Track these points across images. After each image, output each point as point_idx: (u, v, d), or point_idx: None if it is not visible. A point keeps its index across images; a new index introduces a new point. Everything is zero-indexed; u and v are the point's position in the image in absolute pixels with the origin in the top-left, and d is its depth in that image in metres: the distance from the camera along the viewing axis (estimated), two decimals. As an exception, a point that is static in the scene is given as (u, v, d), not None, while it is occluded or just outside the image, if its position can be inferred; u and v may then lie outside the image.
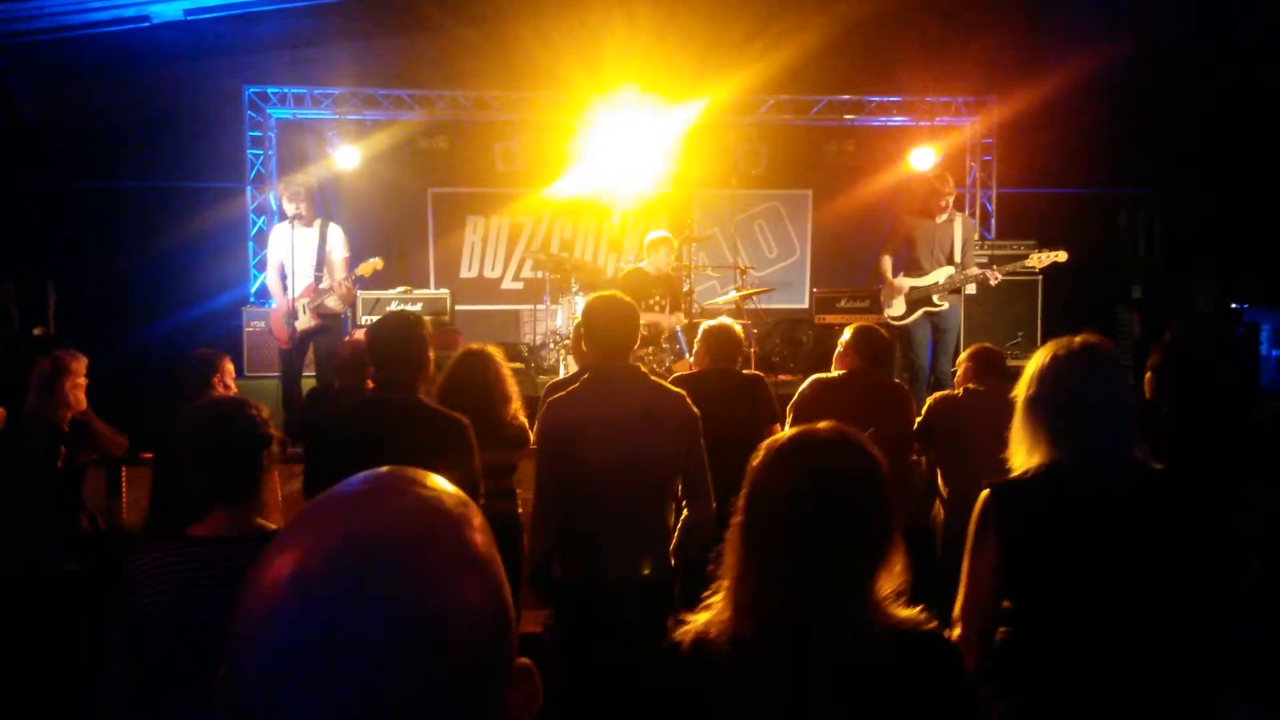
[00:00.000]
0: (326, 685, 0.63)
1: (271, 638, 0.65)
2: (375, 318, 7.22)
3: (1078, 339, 2.23)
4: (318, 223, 6.86)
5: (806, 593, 1.55)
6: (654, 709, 1.71)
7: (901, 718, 1.57)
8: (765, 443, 1.71)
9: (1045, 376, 2.20)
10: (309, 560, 0.67)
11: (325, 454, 3.24)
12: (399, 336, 3.26)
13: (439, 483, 0.76)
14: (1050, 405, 2.17)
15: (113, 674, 2.10)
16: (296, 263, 6.74)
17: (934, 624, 1.63)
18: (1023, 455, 2.22)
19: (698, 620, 1.65)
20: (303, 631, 0.64)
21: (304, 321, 6.75)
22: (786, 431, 1.74)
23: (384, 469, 0.76)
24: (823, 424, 1.68)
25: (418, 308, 8.26)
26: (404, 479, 0.75)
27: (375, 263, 6.88)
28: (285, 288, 6.77)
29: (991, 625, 2.22)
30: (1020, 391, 2.25)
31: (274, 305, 6.91)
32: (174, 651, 2.07)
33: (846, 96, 9.87)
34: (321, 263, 6.77)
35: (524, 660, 0.75)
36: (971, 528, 2.25)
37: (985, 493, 2.24)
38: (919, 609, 1.64)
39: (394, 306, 8.20)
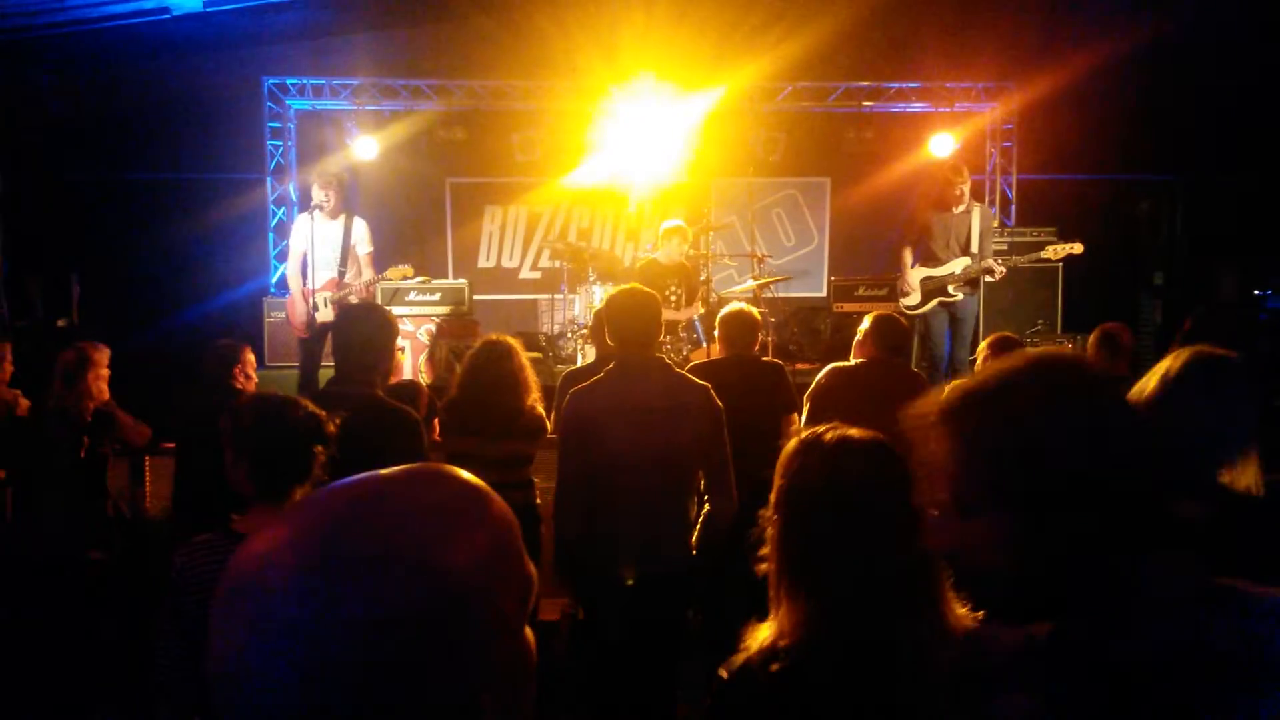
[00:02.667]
0: (306, 662, 0.64)
1: (253, 613, 0.66)
2: (392, 307, 7.31)
3: (1203, 349, 2.14)
4: (343, 215, 6.84)
5: (888, 597, 1.49)
6: None
7: None
8: (794, 442, 1.65)
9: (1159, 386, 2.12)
10: (292, 542, 0.69)
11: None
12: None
13: (459, 473, 0.78)
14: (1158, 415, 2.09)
15: (165, 657, 2.13)
16: (318, 253, 6.73)
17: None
18: None
19: (756, 638, 1.58)
20: (284, 609, 0.65)
21: (325, 314, 6.76)
22: (816, 430, 1.65)
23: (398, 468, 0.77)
24: (850, 428, 1.63)
25: (436, 298, 8.30)
26: (421, 472, 0.77)
27: (405, 269, 6.96)
28: (305, 278, 6.79)
29: None
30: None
31: (291, 294, 6.95)
32: None
33: (865, 83, 9.81)
34: (345, 256, 6.78)
35: (528, 634, 0.77)
36: None
37: None
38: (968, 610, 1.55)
39: (413, 296, 8.25)
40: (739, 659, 1.56)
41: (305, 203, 8.17)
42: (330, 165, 6.76)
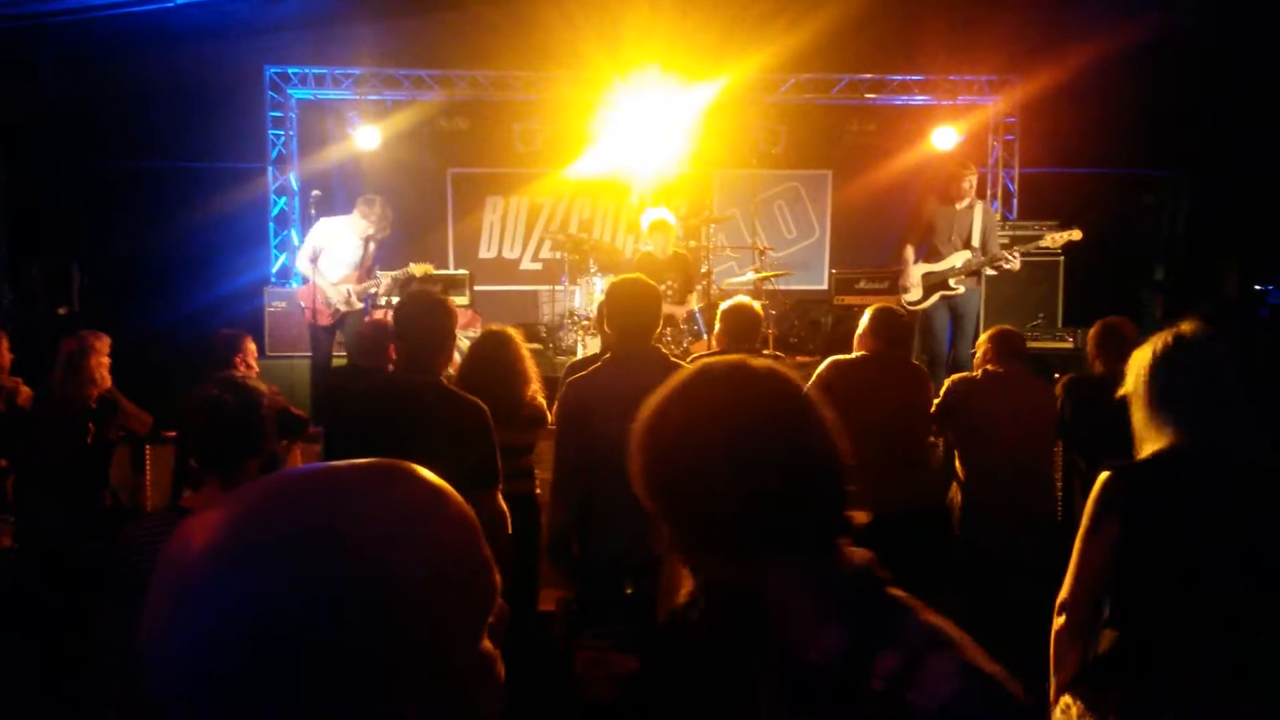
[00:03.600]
0: (232, 642, 0.63)
1: (184, 590, 0.65)
2: (393, 298, 7.33)
3: (1187, 326, 2.17)
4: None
5: None
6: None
7: None
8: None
9: (1169, 360, 2.13)
10: (232, 521, 0.68)
11: (342, 433, 3.26)
12: (424, 318, 3.27)
13: (419, 471, 0.75)
14: (1170, 393, 2.11)
15: (104, 634, 2.17)
16: (338, 252, 6.99)
17: None
18: (1149, 442, 2.15)
19: None
20: (212, 587, 0.65)
21: (351, 304, 7.03)
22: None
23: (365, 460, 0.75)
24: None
25: (437, 288, 8.30)
26: (381, 468, 0.74)
27: (427, 266, 7.30)
28: (318, 270, 6.94)
29: (1096, 618, 2.16)
30: (1137, 375, 2.18)
31: (305, 285, 7.05)
32: None
33: (868, 75, 9.79)
34: (366, 258, 7.12)
35: (489, 647, 0.74)
36: (1091, 511, 2.17)
37: (1106, 475, 2.16)
38: None
39: (413, 288, 8.24)
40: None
41: (306, 194, 8.19)
42: (377, 204, 7.03)
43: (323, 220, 7.14)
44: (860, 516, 1.21)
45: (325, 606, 0.64)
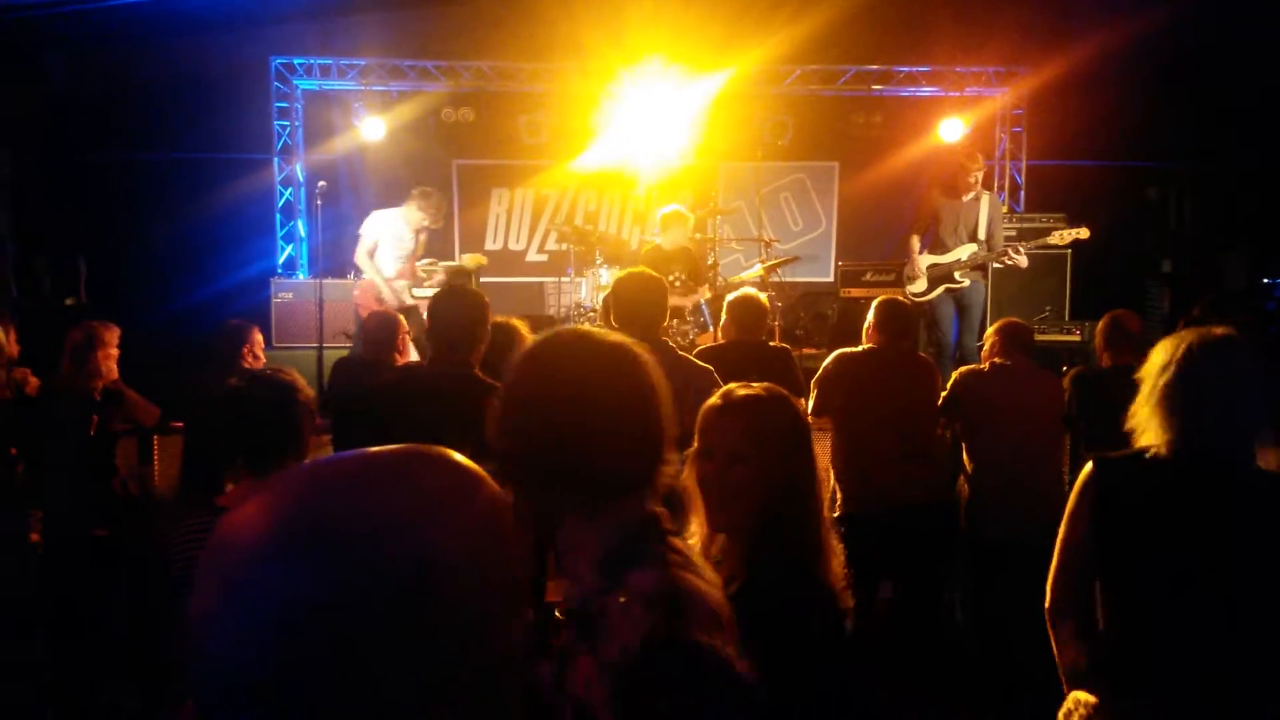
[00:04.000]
0: (276, 633, 0.64)
1: (230, 580, 0.66)
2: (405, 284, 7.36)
3: (1219, 331, 2.15)
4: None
5: None
6: None
7: None
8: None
9: (1183, 361, 2.11)
10: (274, 511, 0.68)
11: (373, 425, 3.26)
12: (459, 310, 3.27)
13: (452, 455, 0.76)
14: (1177, 393, 2.10)
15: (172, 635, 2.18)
16: (397, 245, 7.06)
17: None
18: (1145, 436, 2.16)
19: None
20: (258, 577, 0.65)
21: (405, 297, 7.10)
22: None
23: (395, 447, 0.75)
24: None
25: (442, 279, 8.32)
26: (414, 453, 0.75)
27: (479, 257, 7.52)
28: (375, 265, 7.02)
29: (1085, 605, 2.19)
30: (1154, 369, 2.17)
31: (366, 278, 7.09)
32: None
33: (875, 66, 9.76)
34: (417, 251, 7.23)
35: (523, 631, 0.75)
36: (1072, 499, 2.23)
37: (1090, 464, 2.21)
38: None
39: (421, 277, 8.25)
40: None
41: (312, 185, 8.19)
42: (434, 195, 7.14)
43: (376, 213, 7.16)
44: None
45: (369, 596, 0.65)
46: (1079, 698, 2.14)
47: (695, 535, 1.85)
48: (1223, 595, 2.03)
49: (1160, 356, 2.16)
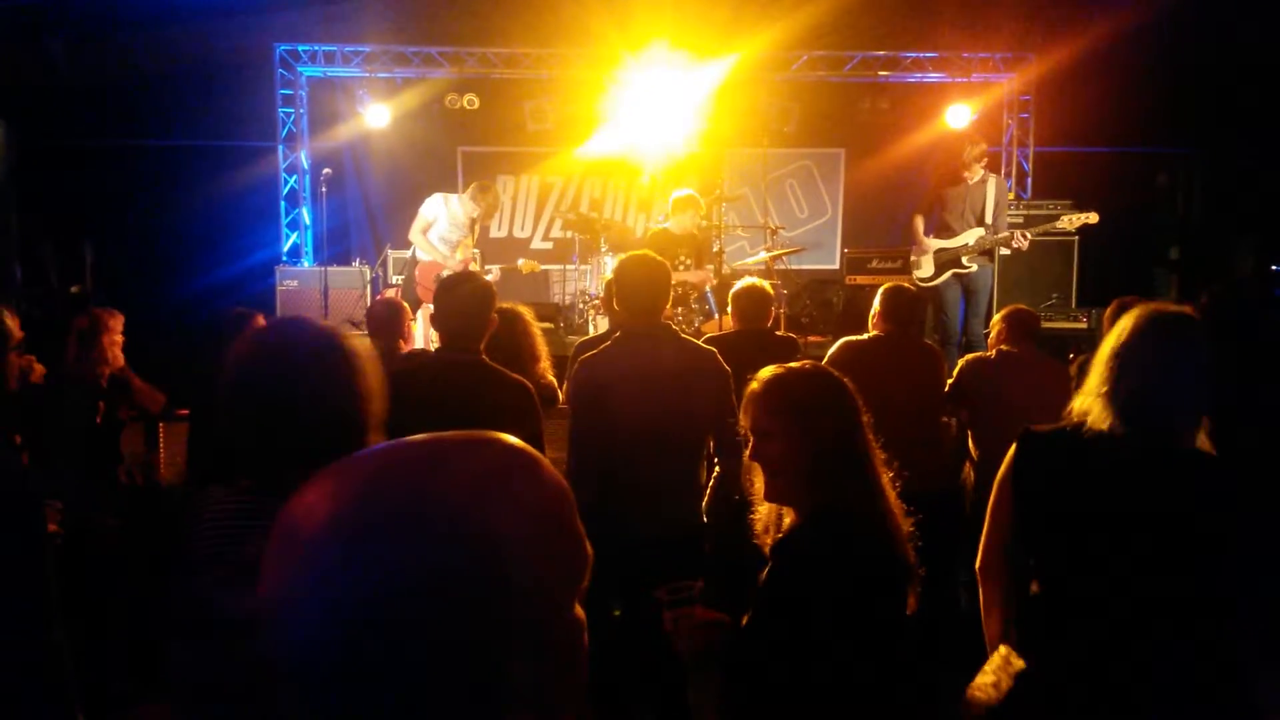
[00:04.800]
0: (358, 612, 0.65)
1: (307, 558, 0.67)
2: (398, 278, 7.37)
3: (1171, 307, 2.14)
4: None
5: None
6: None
7: None
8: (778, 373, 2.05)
9: (1123, 339, 2.12)
10: (352, 492, 0.69)
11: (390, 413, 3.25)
12: (466, 298, 3.26)
13: (505, 438, 0.77)
14: (1115, 367, 2.10)
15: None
16: (451, 230, 7.08)
17: None
18: (1080, 407, 2.17)
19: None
20: (337, 555, 0.66)
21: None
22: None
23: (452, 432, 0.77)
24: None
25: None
26: (470, 434, 0.76)
27: (533, 264, 7.74)
28: (431, 243, 7.05)
29: (1012, 578, 2.23)
30: (1105, 343, 2.18)
31: (428, 259, 7.09)
32: None
33: (881, 52, 9.70)
34: (462, 241, 7.22)
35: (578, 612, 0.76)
36: (1001, 468, 2.29)
37: (1021, 432, 2.27)
38: None
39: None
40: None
41: (316, 172, 8.17)
42: (492, 190, 7.20)
43: (438, 195, 7.16)
44: None
45: (440, 576, 0.67)
46: (1004, 653, 2.16)
47: (760, 514, 2.05)
48: (1130, 570, 2.02)
49: (1112, 332, 2.17)
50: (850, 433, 1.99)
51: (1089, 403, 2.13)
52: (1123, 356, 2.09)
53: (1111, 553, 2.04)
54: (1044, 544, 2.15)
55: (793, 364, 2.07)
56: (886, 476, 2.00)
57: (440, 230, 7.04)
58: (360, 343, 1.57)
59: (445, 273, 6.93)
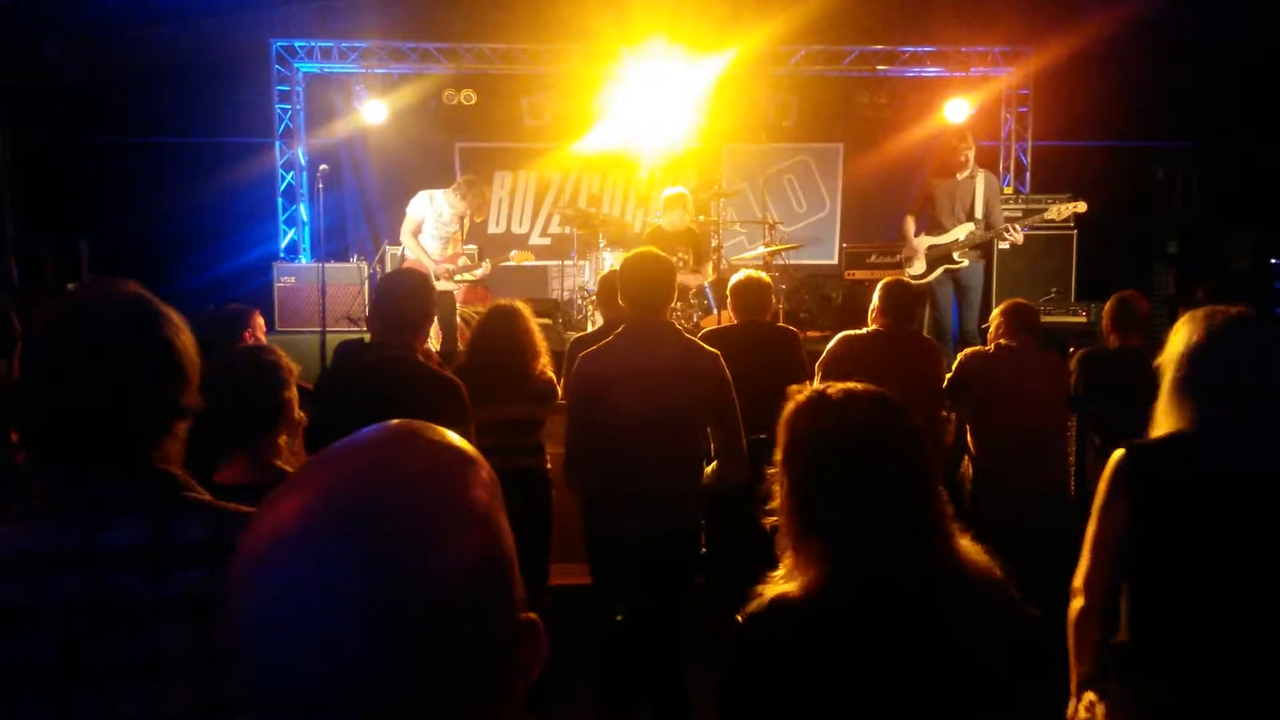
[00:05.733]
0: (322, 629, 0.64)
1: (269, 579, 0.65)
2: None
3: (1233, 309, 2.09)
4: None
5: (887, 539, 1.53)
6: (735, 671, 1.63)
7: (986, 662, 1.54)
8: (799, 399, 1.69)
9: (1201, 341, 2.05)
10: (308, 506, 0.67)
11: (320, 408, 3.25)
12: (403, 293, 3.24)
13: (448, 436, 0.75)
14: (1201, 372, 2.03)
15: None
16: (440, 226, 7.04)
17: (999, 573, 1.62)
18: (1168, 421, 2.08)
19: (773, 587, 1.61)
20: (300, 574, 0.65)
21: (446, 285, 7.07)
22: (819, 387, 1.70)
23: (394, 421, 0.75)
24: (854, 383, 1.68)
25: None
26: (412, 431, 0.74)
27: (526, 254, 7.65)
28: (420, 244, 7.00)
29: (1113, 599, 2.10)
30: (1172, 354, 2.10)
31: (411, 256, 7.05)
32: None
33: (879, 47, 9.68)
34: (454, 236, 7.21)
35: (530, 615, 0.75)
36: (1102, 491, 2.13)
37: (1120, 452, 2.11)
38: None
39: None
40: (754, 605, 1.59)
41: (313, 169, 8.15)
42: (484, 189, 7.22)
43: (423, 192, 7.11)
44: None
45: (422, 592, 0.66)
46: (1093, 699, 2.09)
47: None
48: (1264, 572, 1.95)
49: (1180, 339, 2.09)
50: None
51: (1178, 416, 2.05)
52: (1210, 363, 2.03)
53: (1260, 565, 1.95)
54: (1183, 565, 2.01)
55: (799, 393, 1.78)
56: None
57: (430, 228, 7.00)
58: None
59: (433, 270, 6.93)
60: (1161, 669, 2.02)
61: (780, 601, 1.56)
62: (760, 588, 1.63)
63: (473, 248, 7.52)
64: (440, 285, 6.96)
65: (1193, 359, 2.04)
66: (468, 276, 7.31)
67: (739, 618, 1.60)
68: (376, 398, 2.92)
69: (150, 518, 1.33)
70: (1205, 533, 1.99)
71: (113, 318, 1.40)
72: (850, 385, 1.66)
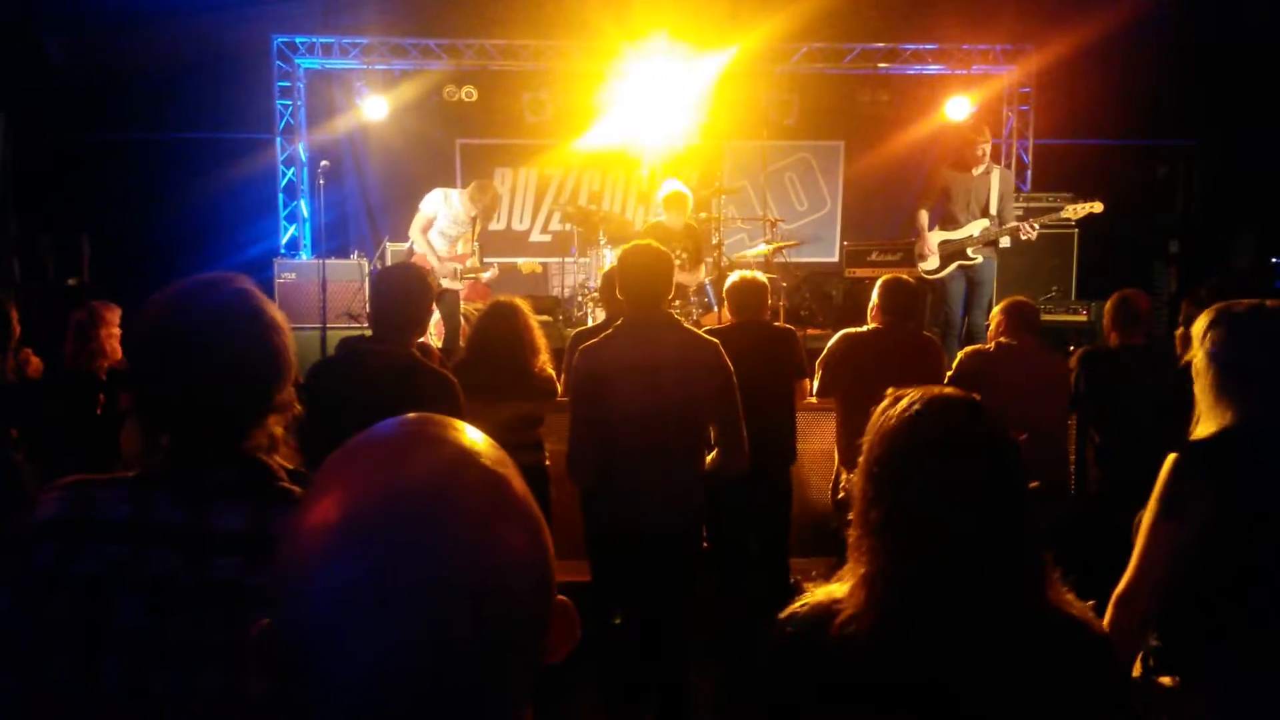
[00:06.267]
0: (387, 628, 0.64)
1: (327, 582, 0.65)
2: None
3: (1247, 302, 2.07)
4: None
5: (965, 570, 1.38)
6: (766, 687, 1.53)
7: (1057, 710, 1.42)
8: (900, 404, 1.51)
9: (1237, 335, 2.02)
10: (357, 507, 0.67)
11: (313, 401, 3.24)
12: (400, 289, 3.24)
13: (471, 431, 0.76)
14: (1242, 368, 2.00)
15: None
16: (450, 226, 7.08)
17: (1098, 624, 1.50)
18: (1210, 421, 2.03)
19: (822, 593, 1.49)
20: (361, 574, 0.65)
21: (452, 283, 7.12)
22: (914, 397, 1.51)
23: (414, 415, 0.75)
24: (951, 389, 1.54)
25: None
26: (439, 426, 0.74)
27: (535, 265, 7.78)
28: (428, 241, 7.04)
29: (1157, 612, 2.01)
30: (1204, 356, 2.06)
31: (419, 251, 7.08)
32: None
33: (881, 44, 9.67)
34: (463, 236, 7.21)
35: (562, 597, 0.75)
36: (1161, 493, 2.02)
37: (1177, 456, 2.02)
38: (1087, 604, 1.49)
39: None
40: (804, 610, 1.49)
41: (314, 165, 8.16)
42: (489, 189, 7.19)
43: (437, 191, 7.15)
44: None
45: (479, 586, 0.66)
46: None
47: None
48: None
49: (1211, 336, 2.06)
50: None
51: (1218, 416, 2.01)
52: (1248, 361, 2.01)
53: None
54: (1256, 567, 1.94)
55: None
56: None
57: (441, 226, 7.03)
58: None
59: (436, 267, 6.95)
60: (1217, 682, 1.96)
61: (829, 614, 1.44)
62: (810, 585, 1.52)
63: (476, 245, 7.53)
64: (446, 284, 7.00)
65: (1229, 350, 2.00)
66: (480, 276, 7.34)
67: (784, 623, 1.49)
68: (369, 393, 2.92)
69: (249, 506, 1.36)
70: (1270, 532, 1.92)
71: (221, 310, 1.43)
72: (949, 392, 1.52)
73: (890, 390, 1.55)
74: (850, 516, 1.51)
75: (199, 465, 1.39)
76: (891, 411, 1.49)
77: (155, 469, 1.39)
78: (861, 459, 1.50)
